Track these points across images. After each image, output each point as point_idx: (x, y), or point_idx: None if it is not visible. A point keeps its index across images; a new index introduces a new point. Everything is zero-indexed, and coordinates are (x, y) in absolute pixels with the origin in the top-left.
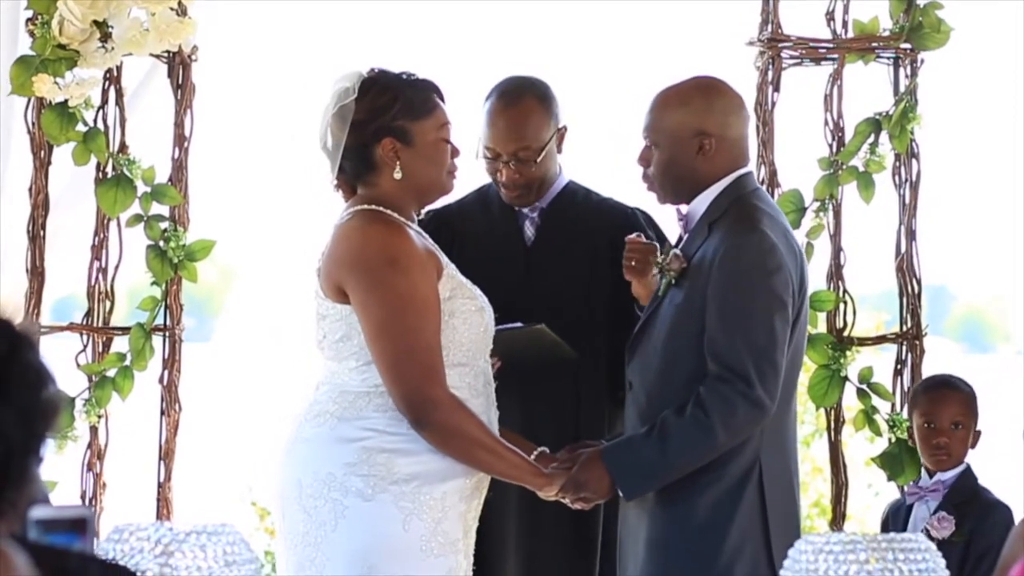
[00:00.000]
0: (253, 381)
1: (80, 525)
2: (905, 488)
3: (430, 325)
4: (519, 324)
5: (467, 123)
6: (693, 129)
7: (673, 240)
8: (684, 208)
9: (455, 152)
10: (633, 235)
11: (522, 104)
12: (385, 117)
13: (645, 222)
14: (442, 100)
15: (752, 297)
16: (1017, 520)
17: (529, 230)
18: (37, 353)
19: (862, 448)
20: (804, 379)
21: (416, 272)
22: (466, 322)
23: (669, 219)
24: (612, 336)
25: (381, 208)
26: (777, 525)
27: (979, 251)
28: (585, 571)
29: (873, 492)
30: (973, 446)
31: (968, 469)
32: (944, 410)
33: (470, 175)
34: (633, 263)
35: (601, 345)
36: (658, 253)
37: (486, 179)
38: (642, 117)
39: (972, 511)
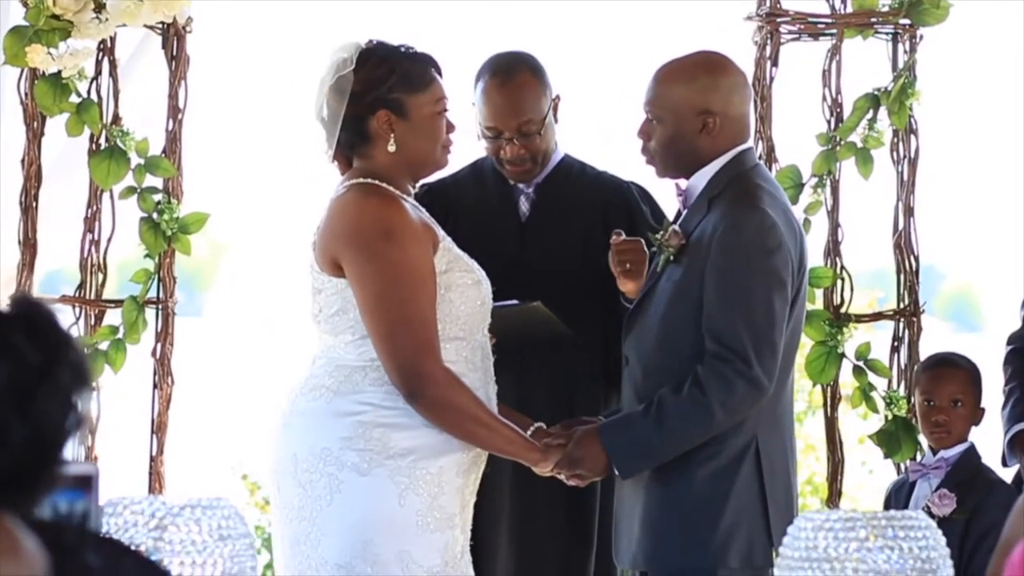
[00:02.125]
0: (244, 356)
1: (85, 482)
2: (907, 465)
3: (425, 298)
4: (514, 301)
5: (463, 97)
6: (697, 107)
7: (671, 215)
8: (683, 183)
9: (450, 127)
10: (615, 236)
11: (517, 78)
12: (381, 89)
13: (640, 196)
14: (439, 74)
15: (751, 276)
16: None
17: (524, 205)
18: (79, 347)
19: (855, 426)
20: (801, 356)
21: (411, 245)
22: (463, 295)
23: (665, 192)
24: (607, 311)
25: (376, 181)
26: (775, 503)
27: (970, 230)
28: (582, 557)
29: (867, 470)
30: (977, 423)
31: (971, 447)
32: (943, 387)
33: (464, 150)
34: (628, 266)
35: (596, 320)
36: (647, 245)
37: (480, 154)
38: (643, 90)
39: (974, 489)
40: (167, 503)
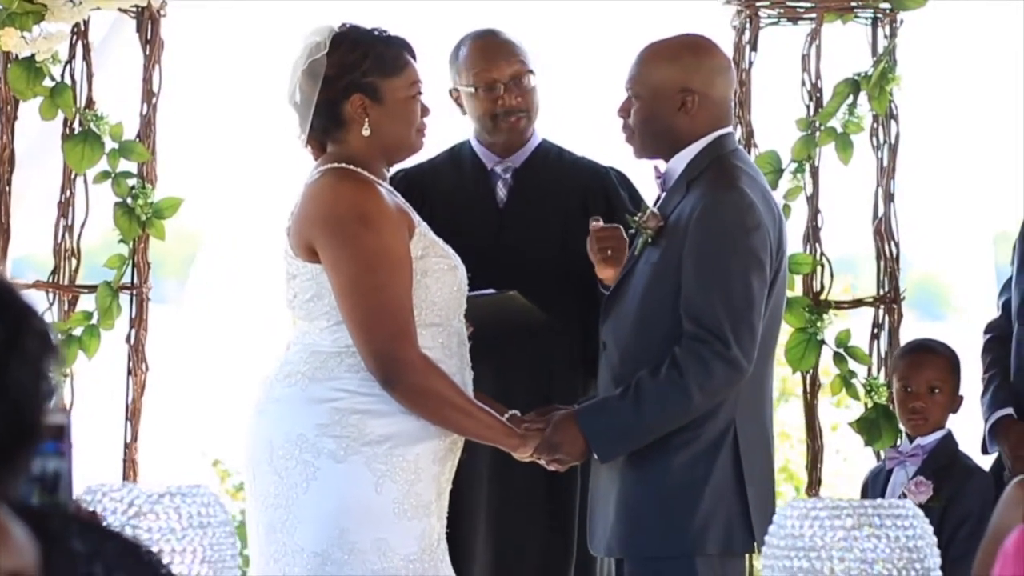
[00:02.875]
0: (218, 342)
1: (57, 432)
2: (884, 453)
3: (401, 283)
4: (491, 291)
5: (437, 81)
6: (678, 85)
7: (650, 200)
8: (662, 166)
9: (425, 111)
10: (594, 222)
11: (501, 36)
12: (355, 73)
13: (619, 181)
14: (414, 58)
15: (730, 256)
16: (996, 487)
17: (501, 190)
18: (41, 316)
19: (830, 413)
20: (780, 342)
21: (387, 230)
22: (439, 281)
23: (646, 179)
24: (585, 297)
25: (351, 166)
26: (754, 488)
27: (939, 218)
28: (562, 546)
29: (842, 458)
30: (955, 411)
31: (949, 434)
32: (921, 374)
33: (440, 135)
34: (609, 252)
35: (574, 306)
36: (627, 227)
37: (457, 139)
38: (625, 71)
39: (951, 476)
40: (146, 491)
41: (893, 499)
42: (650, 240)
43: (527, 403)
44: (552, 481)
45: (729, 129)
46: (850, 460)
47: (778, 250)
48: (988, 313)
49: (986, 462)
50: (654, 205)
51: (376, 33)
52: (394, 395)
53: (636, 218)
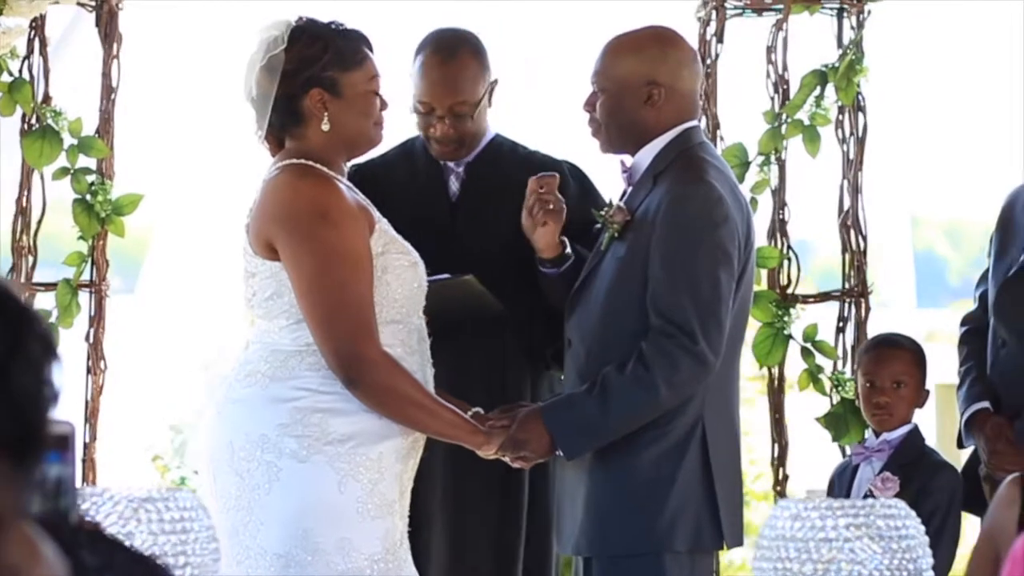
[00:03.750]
0: (164, 335)
1: (62, 442)
2: (851, 448)
3: (362, 281)
4: (446, 276)
5: (395, 74)
6: (644, 77)
7: (610, 195)
8: (628, 160)
9: (383, 104)
10: (534, 178)
11: (457, 58)
12: (314, 67)
13: (572, 175)
14: (371, 51)
15: (697, 249)
16: (973, 481)
17: (454, 185)
18: (41, 317)
19: (793, 408)
20: (747, 337)
21: (348, 227)
22: (399, 278)
23: (611, 172)
24: (538, 291)
25: (310, 162)
26: (722, 485)
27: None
28: (512, 538)
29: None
30: (920, 405)
31: (915, 429)
32: (884, 369)
33: (395, 129)
34: (551, 205)
35: (527, 300)
36: (585, 222)
37: (411, 132)
38: (590, 65)
39: (918, 472)
40: (127, 496)
41: (886, 499)
42: (616, 234)
43: (481, 396)
44: (505, 474)
45: (696, 122)
46: (812, 456)
47: (746, 244)
48: (907, 295)
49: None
50: (620, 199)
51: (333, 27)
52: (357, 394)
53: (602, 212)
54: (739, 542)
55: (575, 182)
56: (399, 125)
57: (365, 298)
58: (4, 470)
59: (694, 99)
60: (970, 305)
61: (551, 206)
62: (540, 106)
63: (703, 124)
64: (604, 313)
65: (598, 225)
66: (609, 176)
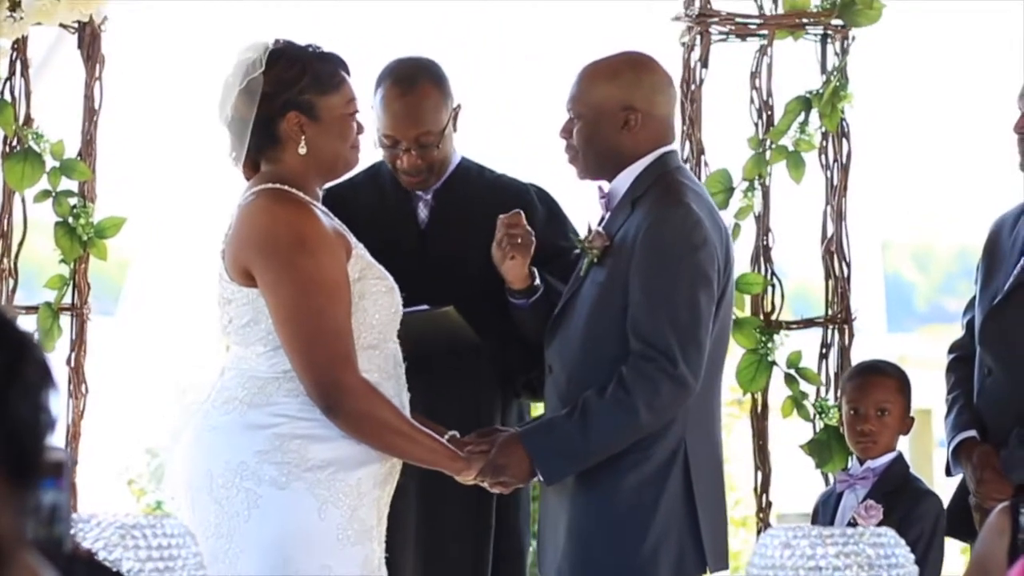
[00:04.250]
0: (143, 359)
1: (57, 469)
2: (835, 476)
3: (341, 308)
4: (425, 307)
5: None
6: (620, 103)
7: (582, 218)
8: (606, 186)
9: (360, 128)
10: (504, 216)
11: (418, 89)
12: (292, 90)
13: (539, 198)
14: (348, 75)
15: (676, 272)
16: (961, 511)
17: (423, 212)
18: (39, 344)
19: (774, 433)
20: (731, 363)
21: (325, 253)
22: (376, 303)
23: (587, 195)
24: (511, 319)
25: (286, 187)
26: (705, 509)
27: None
28: (479, 556)
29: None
30: (904, 432)
31: (899, 457)
32: (868, 396)
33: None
34: (519, 240)
35: (500, 328)
36: (555, 246)
37: (377, 157)
38: (567, 89)
39: (901, 500)
40: (114, 522)
41: (876, 528)
42: (596, 260)
43: (456, 423)
44: (477, 500)
45: (673, 147)
46: (792, 482)
47: (725, 267)
48: (879, 320)
49: (949, 484)
50: (598, 225)
51: (311, 50)
52: (336, 422)
53: (581, 238)
54: (724, 566)
55: (542, 206)
56: (367, 149)
57: (343, 325)
58: (3, 495)
59: (670, 123)
60: (938, 330)
61: (519, 240)
62: (540, 107)
63: (687, 149)
64: (585, 338)
65: (577, 251)
66: (585, 191)
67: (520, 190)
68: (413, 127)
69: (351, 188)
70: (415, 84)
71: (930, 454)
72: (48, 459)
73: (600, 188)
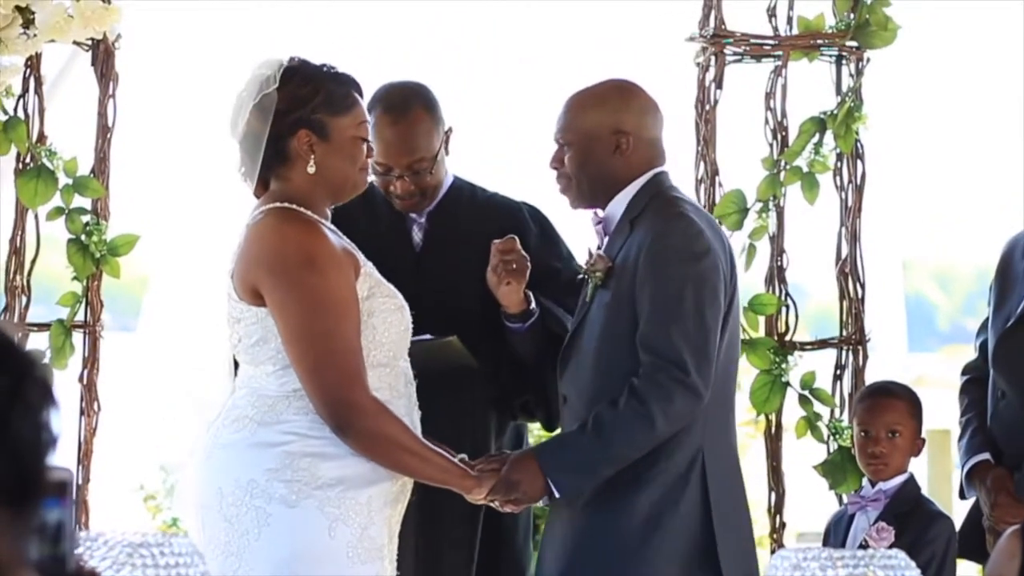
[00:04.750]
0: (162, 375)
1: (60, 488)
2: (847, 498)
3: (350, 327)
4: (428, 336)
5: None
6: (610, 127)
7: (574, 236)
8: (600, 212)
9: (370, 151)
10: (498, 241)
11: (409, 116)
12: (304, 109)
13: (531, 217)
14: (361, 96)
15: (681, 282)
16: (975, 534)
17: (417, 235)
18: (41, 363)
19: (788, 453)
20: (745, 383)
21: (334, 273)
22: (386, 321)
23: (574, 219)
24: (507, 341)
25: (295, 206)
26: (723, 525)
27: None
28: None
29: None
30: (916, 454)
31: (911, 478)
32: (879, 418)
33: None
34: (514, 265)
35: (496, 351)
36: (548, 267)
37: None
38: (555, 120)
39: (913, 522)
40: (122, 540)
41: (887, 550)
42: (600, 283)
43: (450, 446)
44: (473, 511)
45: (664, 168)
46: (805, 503)
47: (731, 276)
48: (899, 340)
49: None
50: (597, 250)
51: (325, 69)
52: (347, 441)
53: (584, 264)
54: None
55: (535, 225)
56: None
57: (352, 344)
58: (3, 517)
59: (660, 146)
60: (960, 350)
61: (514, 266)
62: (534, 110)
63: (701, 170)
64: (598, 362)
65: (580, 276)
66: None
67: (513, 209)
68: (406, 155)
69: (344, 211)
70: (407, 111)
71: (949, 475)
72: (51, 478)
73: (595, 214)
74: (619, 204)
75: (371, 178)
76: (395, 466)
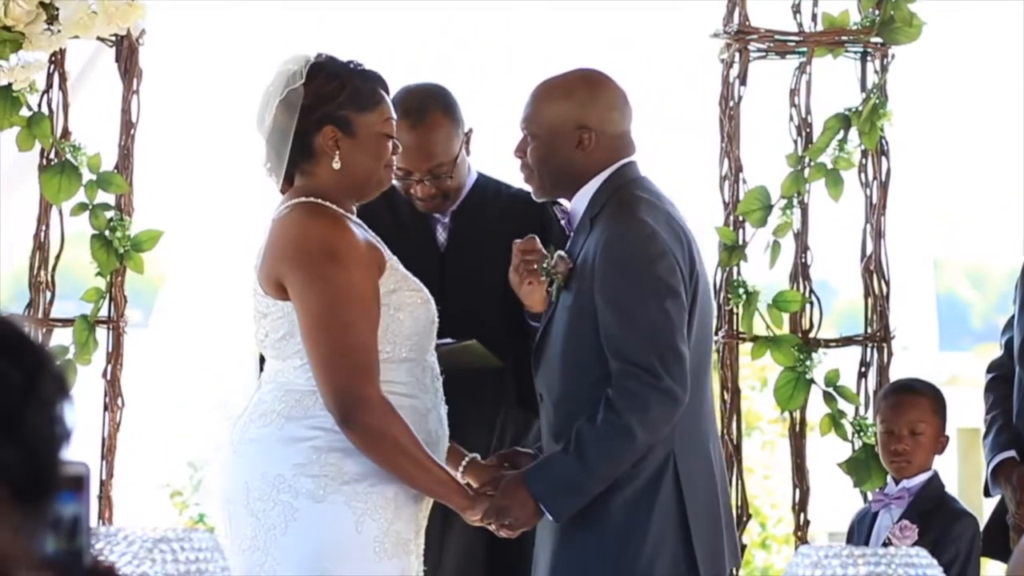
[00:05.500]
0: (181, 370)
1: (76, 483)
2: (870, 495)
3: (367, 322)
4: (449, 340)
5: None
6: (574, 122)
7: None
8: (566, 205)
9: (395, 148)
10: (519, 241)
11: (428, 120)
12: (330, 105)
13: (559, 210)
14: (387, 93)
15: (639, 287)
16: (1000, 532)
17: (441, 234)
18: (54, 356)
19: (815, 451)
20: (769, 381)
21: (356, 267)
22: (412, 315)
23: None
24: (529, 337)
25: (320, 200)
26: (698, 523)
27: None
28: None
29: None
30: (940, 452)
31: (935, 476)
32: (903, 416)
33: None
34: (535, 265)
35: (520, 349)
36: (546, 257)
37: None
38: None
39: (937, 520)
40: (142, 535)
41: (908, 548)
42: (563, 284)
43: (476, 444)
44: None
45: (630, 158)
46: (825, 501)
47: (691, 273)
48: (930, 338)
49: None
50: (558, 251)
51: (352, 66)
52: (349, 435)
53: (546, 265)
54: (720, 573)
55: (564, 218)
56: None
57: (368, 340)
58: (14, 511)
59: (626, 139)
60: (993, 348)
61: (535, 265)
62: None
63: (726, 167)
64: (563, 365)
65: (545, 278)
66: None
67: (537, 206)
68: (425, 160)
69: (367, 211)
70: (425, 116)
71: (979, 473)
72: (67, 472)
73: (562, 209)
74: (582, 199)
75: (394, 181)
76: (393, 469)
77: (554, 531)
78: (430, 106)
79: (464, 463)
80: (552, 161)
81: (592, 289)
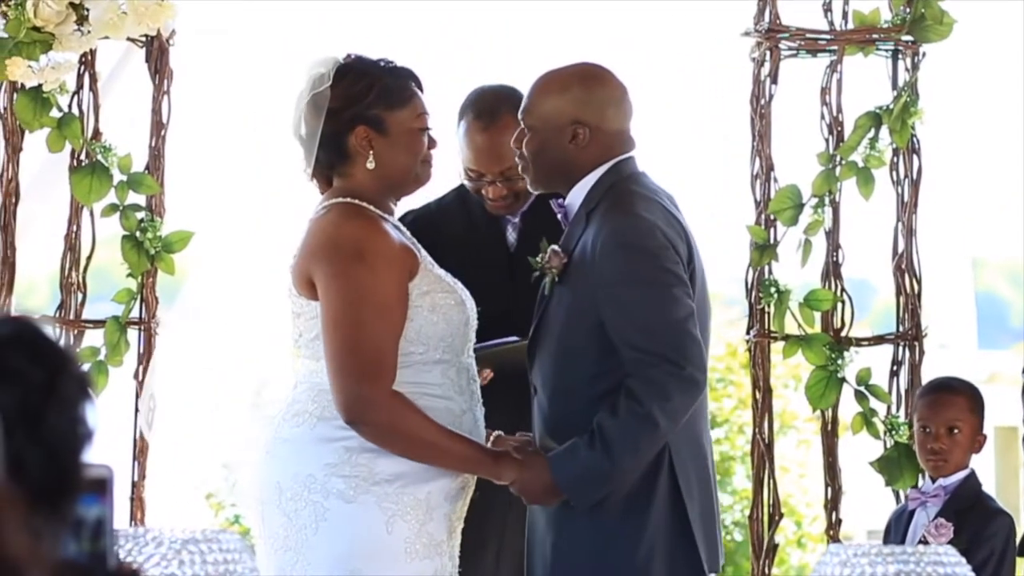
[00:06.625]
0: (206, 368)
1: (100, 486)
2: (907, 493)
3: (384, 324)
4: (515, 338)
5: (446, 111)
6: (568, 117)
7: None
8: (563, 199)
9: (432, 143)
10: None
11: (500, 121)
12: (359, 105)
13: (555, 204)
14: (420, 88)
15: (647, 281)
16: (1019, 529)
17: (511, 235)
18: (76, 357)
19: (849, 450)
20: (802, 379)
21: (383, 269)
22: (446, 316)
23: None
24: None
25: (358, 201)
26: (695, 512)
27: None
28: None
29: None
30: (977, 451)
31: (972, 474)
32: (940, 414)
33: (445, 168)
34: None
35: None
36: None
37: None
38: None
39: (972, 518)
40: (170, 536)
41: (936, 546)
42: (557, 279)
43: (509, 422)
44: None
45: (628, 154)
46: (855, 500)
47: (689, 264)
48: (968, 337)
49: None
50: (551, 245)
51: (382, 64)
52: (361, 434)
53: (538, 259)
54: (718, 566)
55: None
56: (448, 165)
57: (384, 341)
58: (34, 513)
59: (623, 136)
60: None
61: None
62: None
63: (757, 165)
64: (558, 360)
65: (536, 273)
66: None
67: None
68: (496, 163)
69: (439, 210)
70: (496, 117)
71: (1017, 472)
72: (90, 474)
73: (558, 203)
74: (578, 194)
75: (466, 182)
76: (415, 459)
77: (553, 522)
78: (502, 108)
79: (490, 440)
80: (546, 154)
81: (590, 283)
